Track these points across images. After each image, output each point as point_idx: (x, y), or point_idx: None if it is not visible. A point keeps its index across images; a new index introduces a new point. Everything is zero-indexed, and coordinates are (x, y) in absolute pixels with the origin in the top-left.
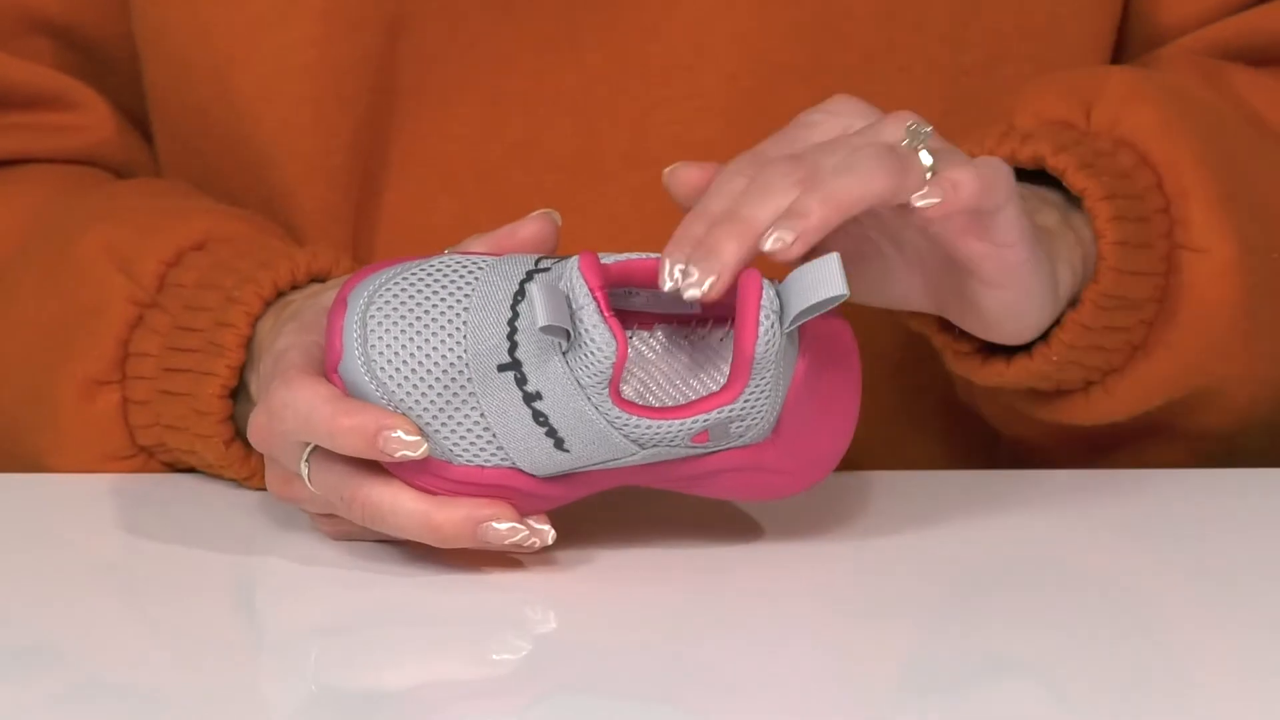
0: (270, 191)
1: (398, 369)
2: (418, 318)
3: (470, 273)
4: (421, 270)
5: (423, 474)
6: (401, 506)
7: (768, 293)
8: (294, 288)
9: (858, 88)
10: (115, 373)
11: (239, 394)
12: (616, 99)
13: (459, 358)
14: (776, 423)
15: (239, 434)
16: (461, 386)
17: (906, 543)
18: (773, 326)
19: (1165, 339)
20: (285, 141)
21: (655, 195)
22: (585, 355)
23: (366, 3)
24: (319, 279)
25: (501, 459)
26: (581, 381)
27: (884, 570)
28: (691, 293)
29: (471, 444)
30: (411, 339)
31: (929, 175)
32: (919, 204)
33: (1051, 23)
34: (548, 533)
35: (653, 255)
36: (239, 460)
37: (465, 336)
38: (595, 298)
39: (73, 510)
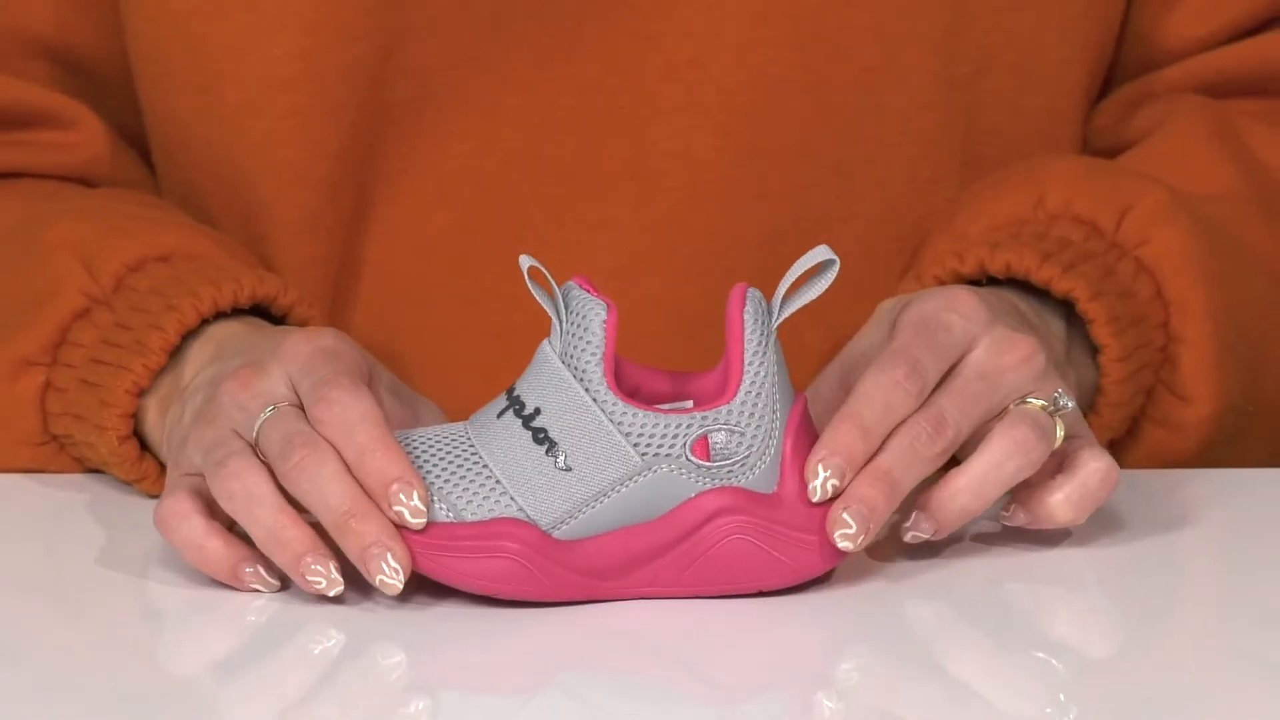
0: (248, 206)
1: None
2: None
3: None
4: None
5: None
6: (262, 494)
7: (751, 292)
8: (235, 309)
9: (854, 101)
10: (46, 356)
11: (149, 399)
12: (613, 111)
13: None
14: (780, 473)
15: (137, 436)
16: (465, 449)
17: (906, 542)
18: (759, 311)
19: (1118, 454)
20: (267, 153)
21: (652, 206)
22: (575, 328)
23: (358, 15)
24: (263, 304)
25: (507, 505)
26: (577, 365)
27: (884, 570)
28: (845, 545)
29: (476, 493)
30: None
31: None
32: (1058, 521)
33: (1038, 36)
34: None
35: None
36: (130, 460)
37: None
38: (585, 289)
39: (73, 509)
